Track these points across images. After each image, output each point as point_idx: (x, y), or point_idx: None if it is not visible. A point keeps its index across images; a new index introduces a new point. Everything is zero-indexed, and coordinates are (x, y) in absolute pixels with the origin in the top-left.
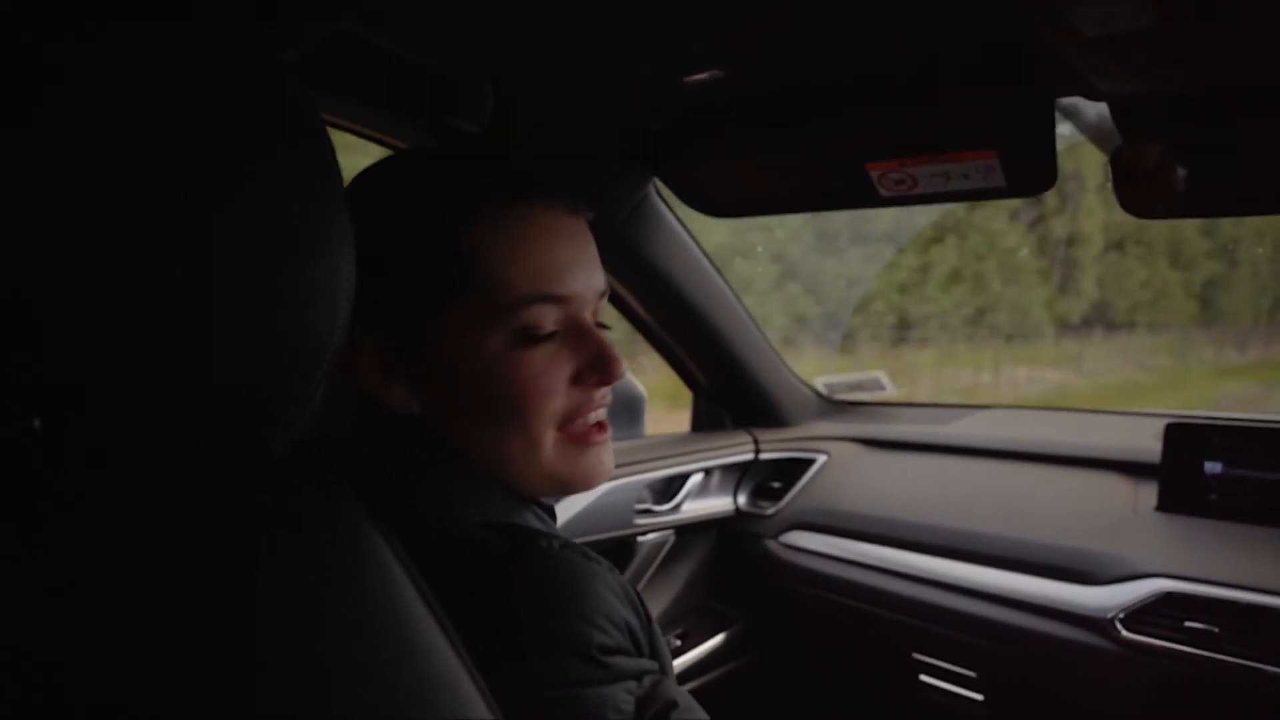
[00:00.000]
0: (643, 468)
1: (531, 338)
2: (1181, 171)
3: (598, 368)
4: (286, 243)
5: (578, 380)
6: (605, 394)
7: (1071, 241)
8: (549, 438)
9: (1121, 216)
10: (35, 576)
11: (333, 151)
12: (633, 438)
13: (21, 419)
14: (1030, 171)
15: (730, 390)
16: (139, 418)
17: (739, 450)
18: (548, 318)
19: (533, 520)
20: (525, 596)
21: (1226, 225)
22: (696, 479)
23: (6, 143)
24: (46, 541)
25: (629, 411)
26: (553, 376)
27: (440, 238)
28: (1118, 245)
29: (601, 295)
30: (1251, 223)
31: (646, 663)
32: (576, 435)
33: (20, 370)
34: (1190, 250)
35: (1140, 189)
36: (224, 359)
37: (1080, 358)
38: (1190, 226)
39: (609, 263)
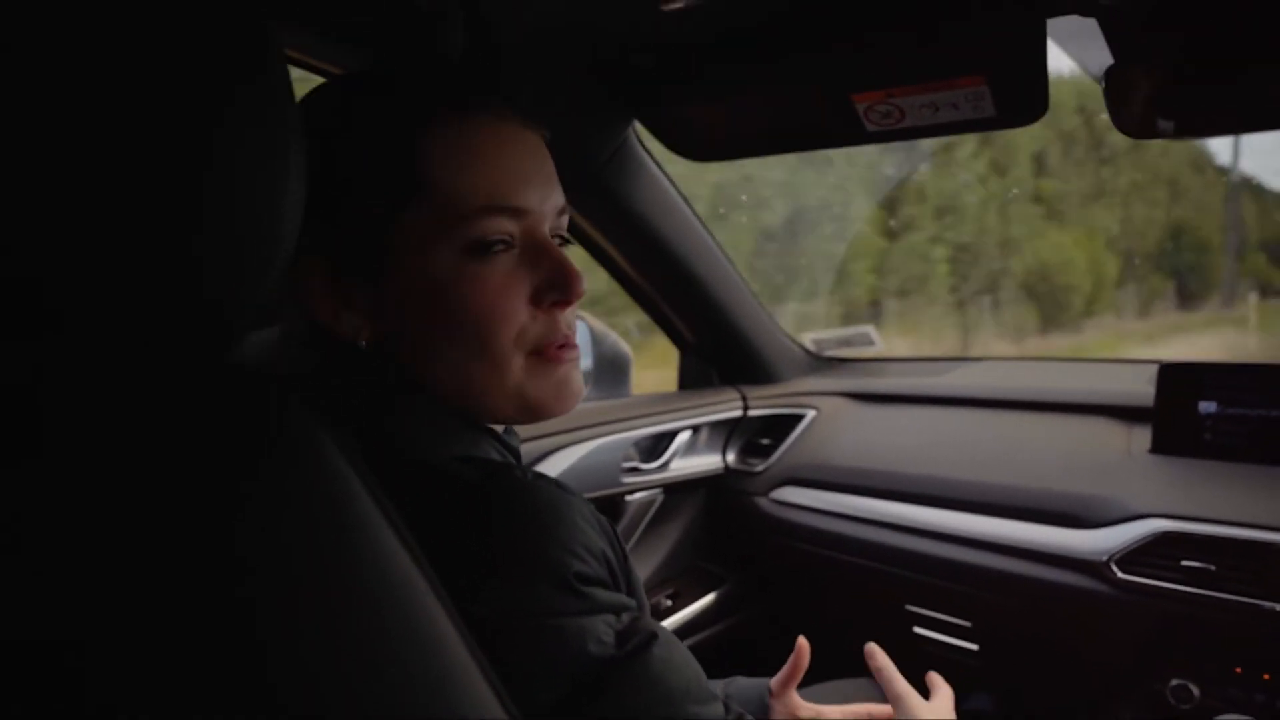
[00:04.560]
0: (629, 425)
1: (485, 252)
2: (1177, 89)
3: (557, 285)
4: (238, 157)
5: (537, 300)
6: (571, 320)
7: None
8: (516, 360)
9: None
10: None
11: (286, 71)
12: (619, 397)
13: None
14: (1021, 99)
15: (717, 346)
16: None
17: (727, 407)
18: (501, 230)
19: (495, 456)
20: (501, 525)
21: None
22: (684, 437)
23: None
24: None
25: (615, 371)
26: (511, 294)
27: (388, 150)
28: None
29: (560, 213)
30: None
31: (625, 598)
32: (544, 355)
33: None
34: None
35: (1136, 108)
36: (175, 258)
37: None
38: None
39: (589, 211)
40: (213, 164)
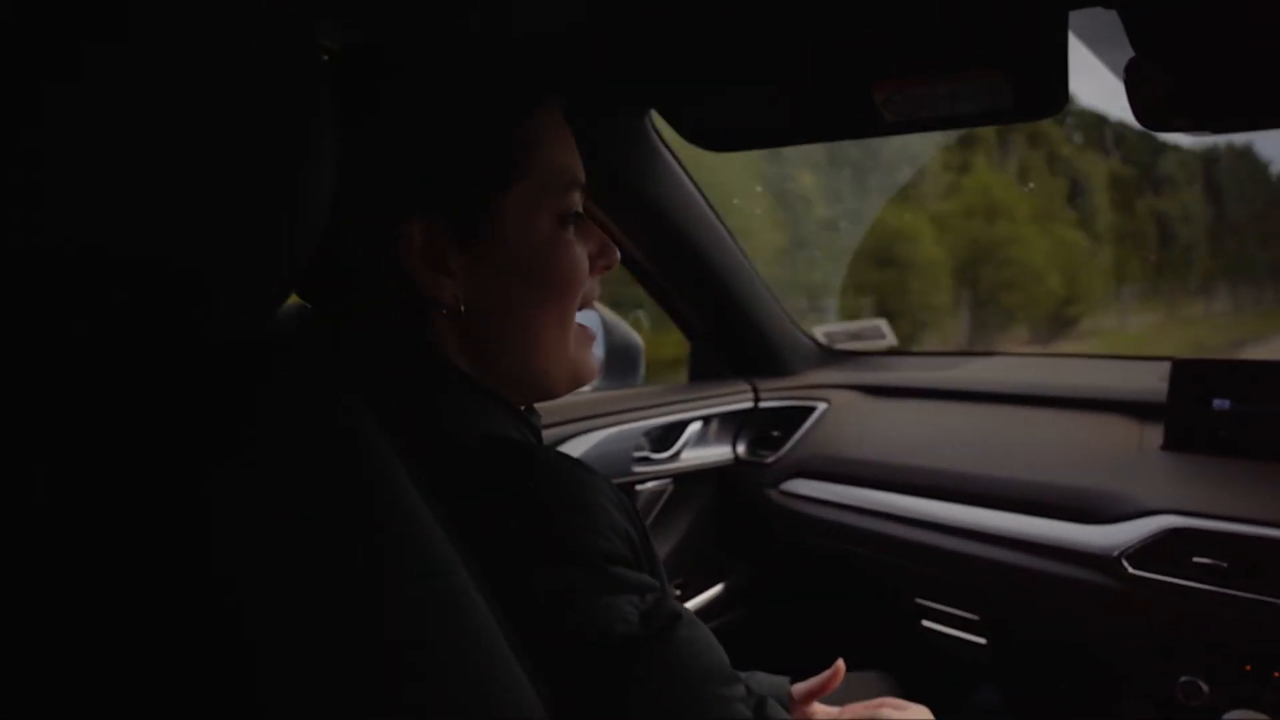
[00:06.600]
0: (641, 415)
1: (570, 222)
2: (1196, 82)
3: (603, 253)
4: (267, 152)
5: (590, 265)
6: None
7: None
8: (572, 329)
9: None
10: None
11: (323, 73)
12: (630, 386)
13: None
14: (1040, 92)
15: (729, 338)
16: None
17: (738, 399)
18: (579, 202)
19: (517, 436)
20: (527, 506)
21: None
22: (695, 428)
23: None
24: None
25: (626, 360)
26: (582, 259)
27: (498, 134)
28: None
29: None
30: None
31: (649, 579)
32: (581, 334)
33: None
34: None
35: (1155, 102)
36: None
37: None
38: None
39: (603, 199)
40: (260, 150)
